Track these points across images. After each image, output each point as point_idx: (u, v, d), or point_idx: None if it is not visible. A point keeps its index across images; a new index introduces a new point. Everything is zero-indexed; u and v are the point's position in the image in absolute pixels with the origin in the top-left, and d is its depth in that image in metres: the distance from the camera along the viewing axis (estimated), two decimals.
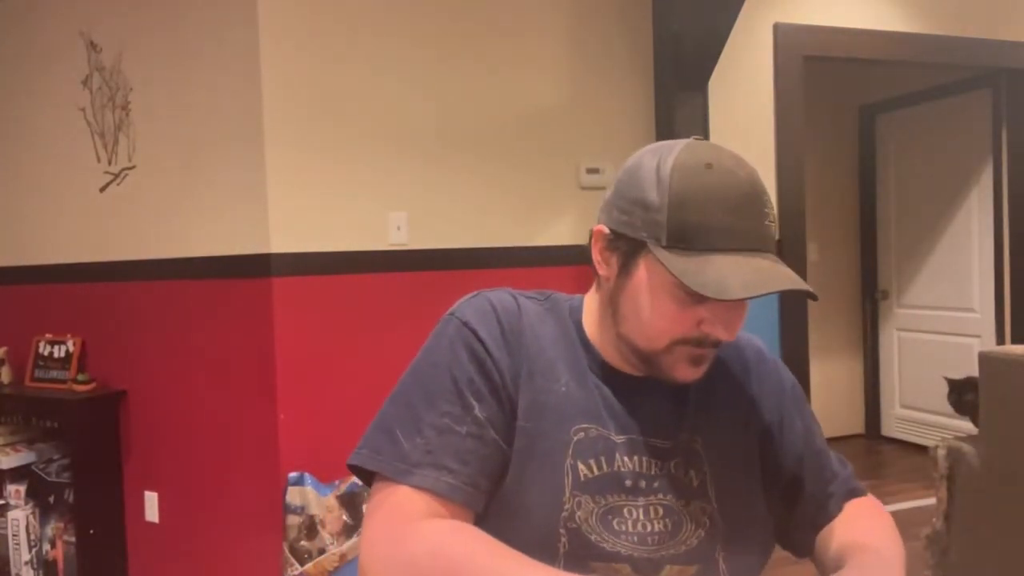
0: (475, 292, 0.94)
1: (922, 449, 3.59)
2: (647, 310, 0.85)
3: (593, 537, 0.83)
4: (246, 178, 2.54)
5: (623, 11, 2.99)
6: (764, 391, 0.98)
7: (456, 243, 2.74)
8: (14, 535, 2.82)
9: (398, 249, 2.67)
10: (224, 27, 2.59)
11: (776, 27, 3.21)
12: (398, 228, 2.67)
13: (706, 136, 3.01)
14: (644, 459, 0.88)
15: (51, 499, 2.88)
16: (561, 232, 2.83)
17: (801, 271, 3.28)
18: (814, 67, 3.58)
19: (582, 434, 0.87)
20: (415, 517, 0.80)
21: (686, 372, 0.87)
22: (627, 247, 0.86)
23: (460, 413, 0.84)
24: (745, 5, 2.84)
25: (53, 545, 2.86)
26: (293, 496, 2.44)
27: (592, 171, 2.88)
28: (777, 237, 0.83)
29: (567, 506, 0.84)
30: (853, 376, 5.00)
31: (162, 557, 2.82)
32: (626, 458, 0.87)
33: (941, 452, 1.91)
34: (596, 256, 0.90)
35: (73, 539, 2.78)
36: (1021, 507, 1.73)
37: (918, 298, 4.63)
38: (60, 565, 2.84)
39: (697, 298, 0.81)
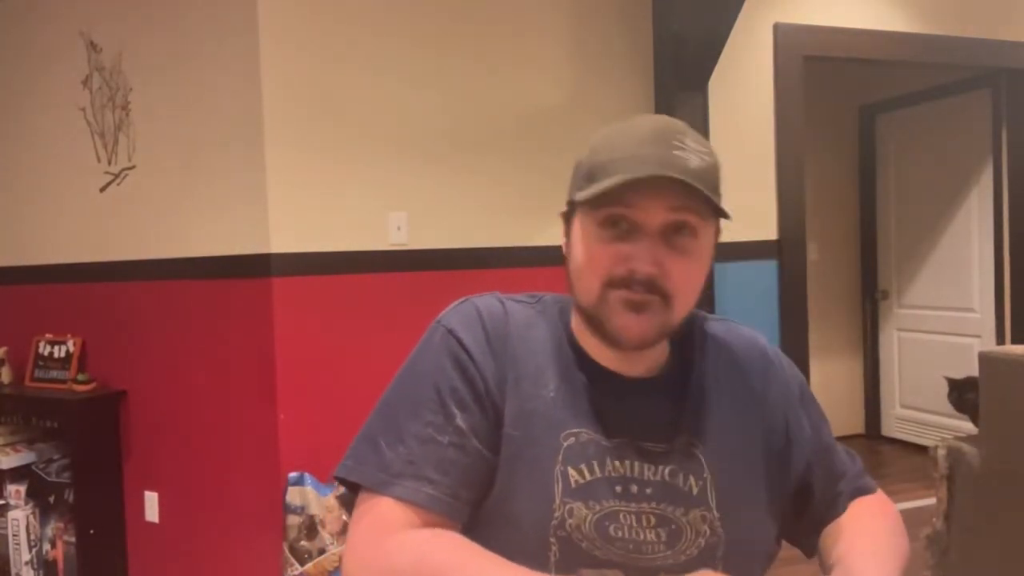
0: (463, 298, 0.93)
1: (922, 449, 3.59)
2: (580, 260, 0.86)
3: (584, 545, 0.82)
4: (246, 178, 2.54)
5: (623, 11, 2.99)
6: (769, 395, 0.94)
7: (456, 243, 2.74)
8: (14, 535, 2.82)
9: (398, 249, 2.67)
10: (224, 27, 2.59)
11: (776, 27, 3.21)
12: (398, 228, 2.67)
13: (706, 136, 3.01)
14: (636, 463, 0.86)
15: (51, 499, 2.88)
16: (561, 232, 2.83)
17: (801, 271, 3.28)
18: (814, 67, 3.58)
19: (572, 439, 0.85)
20: (396, 528, 0.79)
21: (625, 320, 0.83)
22: (568, 213, 0.89)
23: (442, 423, 0.83)
24: (745, 5, 2.84)
25: (53, 545, 2.86)
26: (293, 496, 2.44)
27: None
28: (696, 167, 0.80)
29: (557, 513, 0.82)
30: (853, 376, 5.00)
31: (162, 557, 2.82)
32: (616, 462, 0.85)
33: (941, 452, 1.91)
34: (562, 242, 0.92)
35: (73, 539, 2.78)
36: (1021, 507, 1.73)
37: (918, 298, 4.63)
38: (60, 565, 2.84)
39: (615, 233, 0.82)
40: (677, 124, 0.84)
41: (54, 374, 2.93)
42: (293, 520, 2.43)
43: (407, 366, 0.90)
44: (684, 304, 0.85)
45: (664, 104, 2.98)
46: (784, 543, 0.97)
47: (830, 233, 4.92)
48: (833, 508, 0.95)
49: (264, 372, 2.52)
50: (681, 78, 2.93)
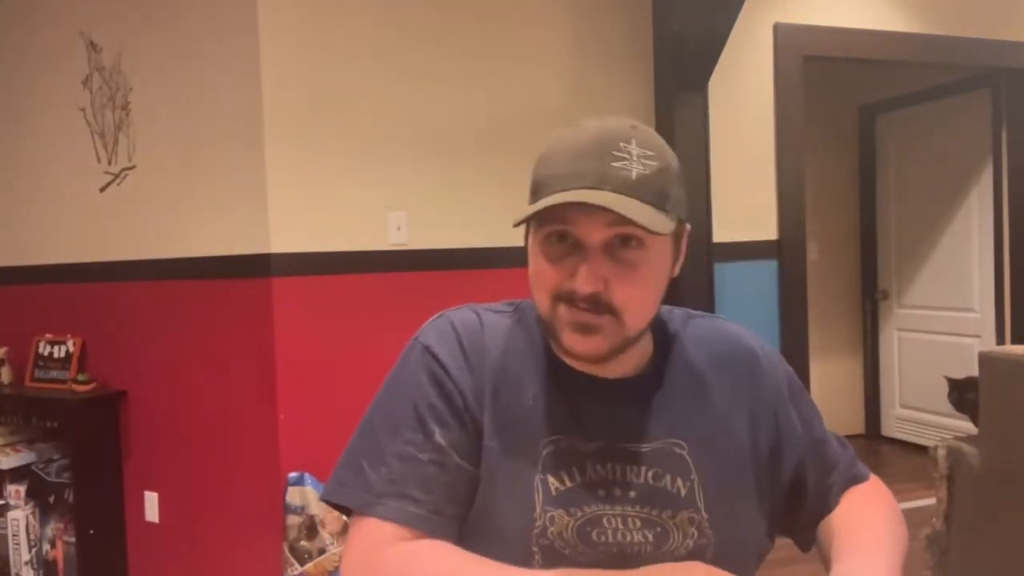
0: (438, 313, 0.93)
1: (922, 449, 3.59)
2: (532, 274, 0.86)
3: (568, 552, 0.82)
4: (246, 178, 2.54)
5: (623, 11, 2.99)
6: (758, 392, 0.93)
7: (456, 243, 2.74)
8: (14, 535, 2.82)
9: (398, 249, 2.67)
10: (224, 27, 2.59)
11: (776, 27, 3.21)
12: (398, 228, 2.67)
13: (706, 136, 3.01)
14: (617, 465, 0.85)
15: (51, 499, 2.88)
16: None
17: (801, 271, 3.28)
18: (814, 67, 3.58)
19: (552, 446, 0.85)
20: (383, 546, 0.80)
21: (571, 339, 0.82)
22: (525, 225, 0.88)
23: (421, 440, 0.83)
24: (745, 5, 2.84)
25: (53, 545, 2.86)
26: (293, 496, 2.44)
27: None
28: (639, 178, 0.79)
29: (539, 522, 0.82)
30: (853, 376, 5.00)
31: (162, 557, 2.82)
32: (598, 466, 0.85)
33: (941, 452, 1.91)
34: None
35: (73, 539, 2.78)
36: (1021, 507, 1.73)
37: (918, 298, 4.63)
38: (60, 565, 2.84)
39: (561, 249, 0.82)
40: (622, 129, 0.82)
41: (54, 374, 2.93)
42: (293, 520, 2.43)
43: (386, 385, 0.90)
44: (636, 317, 0.83)
45: (664, 104, 2.98)
46: (781, 542, 0.97)
47: (830, 233, 4.92)
48: (827, 500, 0.95)
49: (264, 372, 2.52)
50: (681, 78, 2.93)
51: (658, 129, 2.99)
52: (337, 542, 2.42)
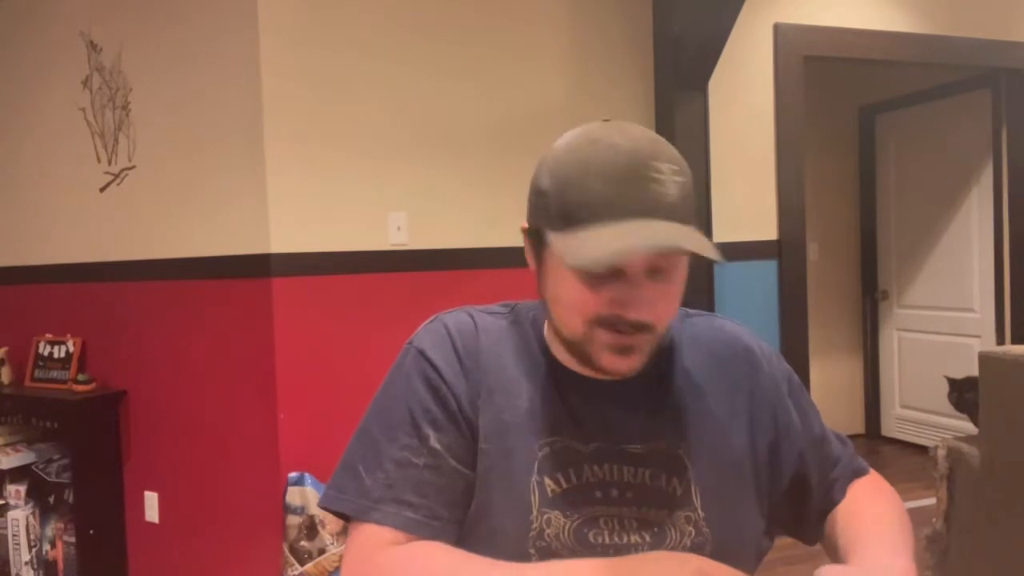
0: (433, 316, 0.93)
1: (922, 449, 3.59)
2: (560, 296, 0.82)
3: (565, 553, 0.81)
4: (246, 178, 2.54)
5: (623, 11, 2.99)
6: (755, 390, 0.93)
7: (456, 243, 2.74)
8: (14, 535, 2.82)
9: (398, 249, 2.67)
10: (224, 27, 2.59)
11: (776, 27, 3.21)
12: (398, 228, 2.67)
13: (706, 136, 3.01)
14: (615, 466, 0.85)
15: (51, 499, 2.88)
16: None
17: (801, 271, 3.28)
18: (814, 67, 3.58)
19: (547, 448, 0.85)
20: (378, 551, 0.80)
21: (611, 361, 0.82)
22: (537, 238, 0.85)
23: (417, 445, 0.84)
24: (745, 5, 2.84)
25: (53, 545, 2.86)
26: (293, 496, 2.44)
27: None
28: (678, 198, 0.79)
29: (535, 524, 0.82)
30: (853, 376, 5.00)
31: (162, 557, 2.82)
32: (596, 467, 0.85)
33: (941, 452, 1.91)
34: (525, 253, 0.89)
35: (73, 539, 2.78)
36: (1021, 507, 1.73)
37: (918, 298, 4.63)
38: (60, 565, 2.84)
39: (598, 278, 0.78)
40: (647, 145, 0.79)
41: (54, 374, 2.93)
42: (293, 520, 2.43)
43: (382, 389, 0.90)
44: (665, 326, 0.84)
45: (664, 104, 2.98)
46: (781, 542, 0.97)
47: (830, 233, 4.92)
48: (832, 495, 0.95)
49: (264, 372, 2.52)
50: (681, 78, 2.94)
51: (658, 129, 3.00)
52: (337, 542, 2.42)
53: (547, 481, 0.84)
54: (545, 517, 0.82)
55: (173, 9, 2.71)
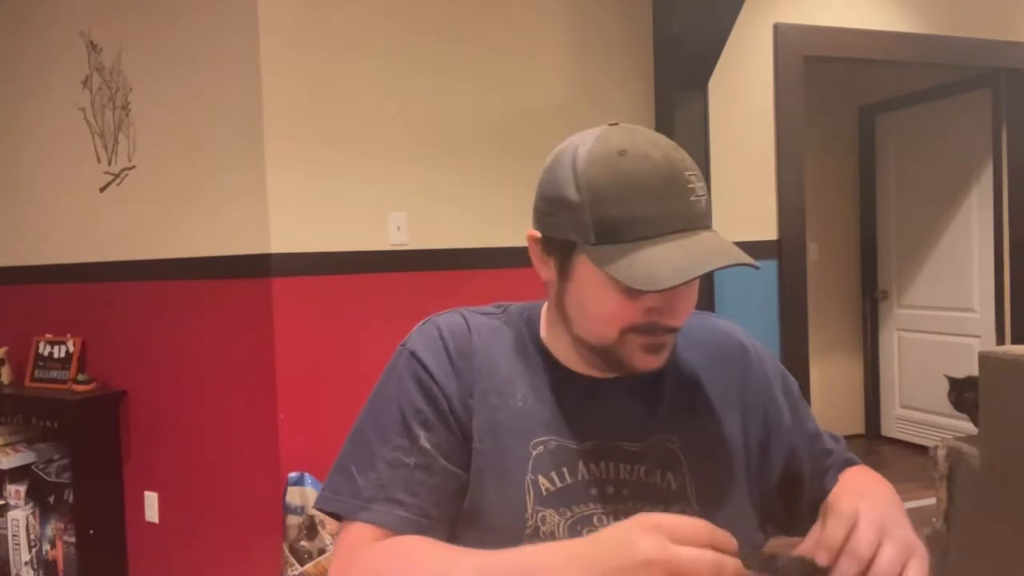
0: (426, 319, 0.94)
1: (922, 449, 3.59)
2: (592, 307, 0.83)
3: None
4: (246, 178, 2.54)
5: (623, 11, 2.99)
6: (747, 386, 0.94)
7: (456, 243, 2.74)
8: (14, 535, 2.82)
9: (398, 249, 2.67)
10: (224, 27, 2.59)
11: (776, 27, 3.21)
12: (398, 228, 2.67)
13: (706, 136, 3.01)
14: (611, 464, 0.86)
15: (51, 499, 2.88)
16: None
17: (801, 271, 3.28)
18: (814, 67, 3.58)
19: (541, 447, 0.86)
20: (360, 547, 0.82)
21: (646, 361, 0.84)
22: (561, 249, 0.84)
23: (408, 445, 0.85)
24: (745, 5, 2.84)
25: (53, 545, 2.86)
26: (293, 496, 2.44)
27: None
28: (706, 204, 0.81)
29: (530, 522, 0.83)
30: (853, 376, 5.00)
31: (162, 557, 2.81)
32: (592, 465, 0.86)
33: (941, 452, 1.91)
34: (534, 261, 0.89)
35: (73, 539, 2.78)
36: (1021, 507, 1.73)
37: (918, 298, 4.63)
38: (60, 565, 2.84)
39: (638, 289, 0.79)
40: (674, 153, 0.81)
41: (54, 374, 2.93)
42: (293, 520, 2.43)
43: (375, 391, 0.91)
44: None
45: (664, 104, 2.98)
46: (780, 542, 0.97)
47: (830, 233, 4.92)
48: (823, 485, 0.96)
49: (264, 372, 2.52)
50: (681, 78, 2.94)
51: (658, 129, 2.99)
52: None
53: (541, 480, 0.84)
54: (540, 515, 0.83)
55: (173, 9, 2.71)
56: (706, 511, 0.86)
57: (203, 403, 2.69)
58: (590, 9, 2.94)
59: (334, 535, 2.41)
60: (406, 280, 2.66)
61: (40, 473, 2.88)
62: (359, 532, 0.83)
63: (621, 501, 0.85)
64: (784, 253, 3.22)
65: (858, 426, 4.98)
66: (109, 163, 2.89)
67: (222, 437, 2.65)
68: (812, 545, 0.73)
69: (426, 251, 2.70)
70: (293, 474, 2.46)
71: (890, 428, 4.86)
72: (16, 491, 2.85)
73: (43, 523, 2.87)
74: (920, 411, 4.61)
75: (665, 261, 0.76)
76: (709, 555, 0.63)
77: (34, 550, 2.84)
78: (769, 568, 0.70)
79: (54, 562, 2.85)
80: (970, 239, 4.27)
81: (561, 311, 0.87)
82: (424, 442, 0.85)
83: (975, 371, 1.89)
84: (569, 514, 0.84)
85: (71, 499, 2.83)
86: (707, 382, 0.93)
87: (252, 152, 2.52)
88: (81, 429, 2.79)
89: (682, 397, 0.91)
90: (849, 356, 4.99)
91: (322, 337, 2.56)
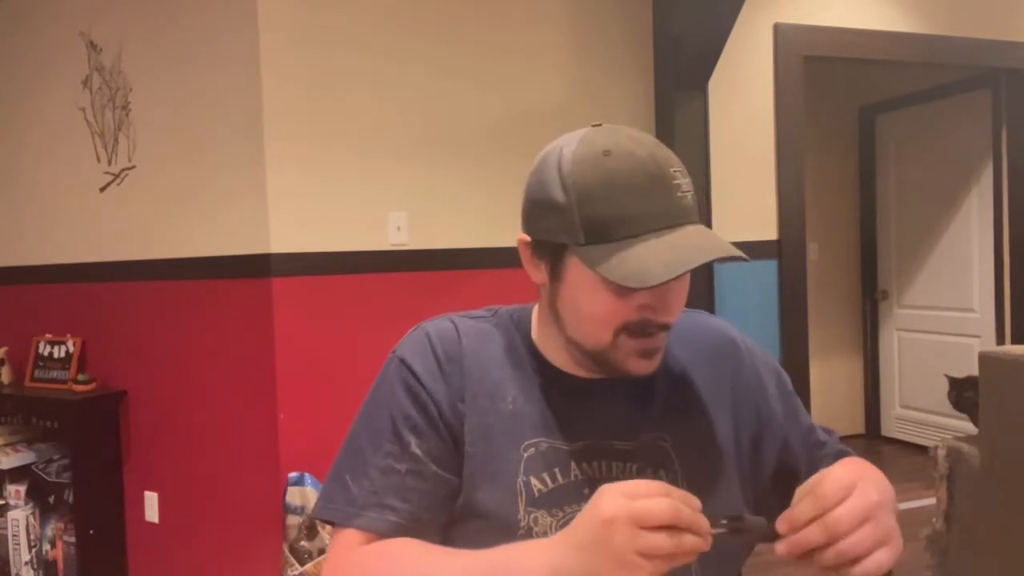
0: (416, 325, 0.95)
1: (922, 449, 3.59)
2: (585, 308, 0.83)
3: None
4: (246, 178, 2.54)
5: (623, 11, 2.99)
6: (738, 383, 0.95)
7: (456, 243, 2.74)
8: (14, 535, 2.82)
9: (398, 249, 2.67)
10: (224, 27, 2.59)
11: (776, 27, 3.21)
12: (398, 228, 2.67)
13: (706, 136, 3.01)
14: (603, 463, 0.87)
15: (51, 499, 2.88)
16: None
17: (801, 271, 3.28)
18: (814, 67, 3.58)
19: (533, 449, 0.86)
20: (349, 551, 0.84)
21: (639, 365, 0.84)
22: (551, 252, 0.85)
23: (399, 452, 0.86)
24: (745, 5, 2.84)
25: (53, 545, 2.86)
26: (293, 496, 2.44)
27: None
28: (692, 199, 0.83)
29: (523, 523, 0.83)
30: (853, 376, 5.00)
31: (162, 557, 2.82)
32: (584, 464, 0.86)
33: (941, 452, 1.91)
34: (526, 265, 0.90)
35: (73, 539, 2.78)
36: (1021, 507, 1.73)
37: (918, 298, 4.63)
38: (60, 565, 2.84)
39: (630, 287, 0.80)
40: (658, 150, 0.82)
41: (54, 374, 2.93)
42: (293, 520, 2.43)
43: (367, 399, 0.92)
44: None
45: (664, 104, 2.98)
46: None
47: (830, 233, 4.92)
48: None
49: (264, 372, 2.52)
50: (681, 78, 2.94)
51: (658, 129, 3.00)
52: None
53: (533, 481, 0.85)
54: (532, 516, 0.84)
55: (173, 9, 2.71)
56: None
57: (203, 403, 2.69)
58: (590, 9, 2.94)
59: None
60: (406, 280, 2.66)
61: (40, 473, 2.88)
62: (351, 537, 0.84)
63: None
64: (784, 253, 3.22)
65: (858, 426, 4.99)
66: (109, 163, 2.89)
67: (222, 437, 2.65)
68: (796, 503, 0.73)
69: (426, 251, 2.70)
70: (293, 474, 2.46)
71: (890, 428, 4.86)
72: (16, 491, 2.85)
73: (43, 523, 2.87)
74: (920, 411, 4.61)
75: (654, 258, 0.77)
76: (665, 501, 0.66)
77: (34, 550, 2.84)
78: (733, 527, 0.72)
79: (54, 562, 2.85)
80: (970, 239, 4.27)
81: (554, 313, 0.88)
82: (415, 448, 0.86)
83: (975, 371, 1.90)
84: (561, 514, 0.84)
85: (71, 499, 2.83)
86: (699, 380, 0.94)
87: (252, 152, 2.52)
88: (81, 429, 2.79)
89: (674, 395, 0.92)
90: (849, 356, 4.99)
91: (322, 337, 2.56)
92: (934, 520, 1.93)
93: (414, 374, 0.89)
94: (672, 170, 0.80)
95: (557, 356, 0.91)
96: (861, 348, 5.00)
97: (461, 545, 0.83)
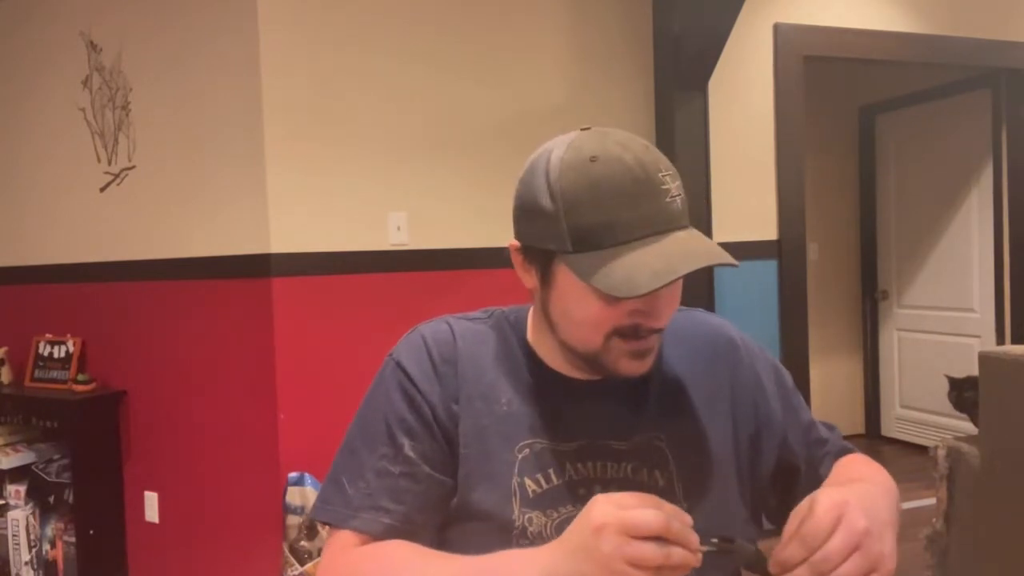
0: (413, 328, 0.96)
1: (922, 449, 3.59)
2: (576, 313, 0.83)
3: None
4: (246, 178, 2.54)
5: (623, 11, 2.99)
6: (737, 382, 0.95)
7: (456, 243, 2.74)
8: (14, 535, 2.82)
9: (398, 249, 2.67)
10: (224, 27, 2.59)
11: (776, 27, 3.21)
12: (398, 228, 2.67)
13: (706, 136, 3.01)
14: (597, 464, 0.87)
15: (51, 499, 2.88)
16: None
17: (801, 271, 3.28)
18: (814, 67, 3.58)
19: (527, 450, 0.87)
20: (342, 553, 0.85)
21: (630, 366, 0.84)
22: (540, 258, 0.85)
23: (393, 454, 0.87)
24: (745, 5, 2.84)
25: (53, 545, 2.86)
26: (293, 496, 2.44)
27: None
28: (681, 203, 0.81)
29: (517, 523, 0.84)
30: (853, 376, 5.00)
31: (162, 557, 2.82)
32: (579, 465, 0.87)
33: (941, 452, 1.91)
34: (517, 270, 0.90)
35: (73, 539, 2.78)
36: (1021, 507, 1.73)
37: (918, 298, 4.63)
38: (60, 565, 2.84)
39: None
40: (646, 154, 0.80)
41: (54, 374, 2.93)
42: (293, 520, 2.43)
43: (364, 402, 0.93)
44: None
45: (664, 104, 2.98)
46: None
47: (830, 233, 4.92)
48: (818, 473, 0.96)
49: (264, 372, 2.52)
50: (681, 78, 2.94)
51: (658, 129, 3.00)
52: None
53: (528, 482, 0.86)
54: (527, 516, 0.84)
55: (173, 9, 2.71)
56: (694, 507, 0.86)
57: (203, 403, 2.69)
58: (590, 9, 2.94)
59: None
60: (406, 280, 2.66)
61: (40, 473, 2.88)
62: (346, 538, 0.85)
63: None
64: (784, 253, 3.22)
65: (858, 426, 4.99)
66: (109, 163, 2.89)
67: (222, 437, 2.65)
68: (786, 541, 0.72)
69: (426, 251, 2.70)
70: (293, 474, 2.46)
71: (890, 428, 4.86)
72: (16, 491, 2.85)
73: (43, 523, 2.87)
74: (920, 411, 4.61)
75: (642, 266, 0.76)
76: (655, 512, 0.67)
77: (34, 550, 2.84)
78: (723, 547, 0.72)
79: (54, 562, 2.85)
80: (970, 239, 4.27)
81: (547, 318, 0.88)
82: (408, 450, 0.86)
83: (975, 371, 1.90)
84: (556, 515, 0.85)
85: (71, 499, 2.83)
86: (695, 379, 0.94)
87: (252, 152, 2.52)
88: (81, 429, 2.79)
89: (669, 395, 0.92)
90: (849, 356, 4.99)
91: (322, 337, 2.56)
92: (934, 520, 1.93)
93: (409, 377, 0.89)
94: (660, 174, 0.79)
95: (552, 357, 0.91)
96: (861, 348, 5.00)
97: (457, 545, 0.83)
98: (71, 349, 2.92)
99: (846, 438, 1.03)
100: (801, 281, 3.28)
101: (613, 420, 0.89)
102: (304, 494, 2.43)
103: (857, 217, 5.01)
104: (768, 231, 3.22)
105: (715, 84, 3.02)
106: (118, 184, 2.87)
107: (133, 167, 2.83)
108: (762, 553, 0.74)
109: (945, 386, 2.46)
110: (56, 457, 2.91)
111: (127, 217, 2.85)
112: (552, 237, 0.81)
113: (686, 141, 2.92)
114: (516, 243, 0.88)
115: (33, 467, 2.89)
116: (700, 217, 2.89)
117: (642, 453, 0.88)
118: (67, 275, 3.00)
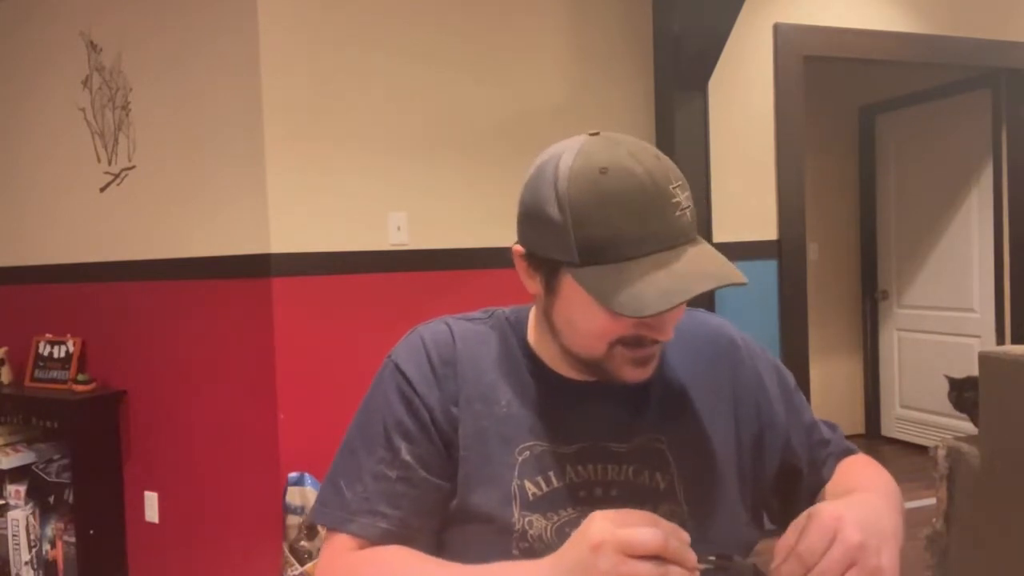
0: (412, 329, 0.95)
1: (922, 449, 3.59)
2: (580, 323, 0.82)
3: (547, 553, 0.81)
4: (246, 178, 2.54)
5: (623, 11, 2.99)
6: (738, 382, 0.94)
7: (456, 243, 2.74)
8: (14, 535, 2.82)
9: (398, 249, 2.67)
10: (224, 27, 2.59)
11: (776, 27, 3.21)
12: (398, 228, 2.67)
13: (706, 136, 3.01)
14: (598, 466, 0.87)
15: (51, 499, 2.88)
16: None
17: (801, 271, 3.28)
18: (814, 67, 3.58)
19: (527, 452, 0.86)
20: (338, 558, 0.85)
21: (632, 373, 0.84)
22: (546, 266, 0.83)
23: (390, 458, 0.86)
24: (745, 5, 2.84)
25: (53, 545, 2.86)
26: (293, 496, 2.44)
27: None
28: (691, 215, 0.80)
29: (517, 526, 0.84)
30: (853, 376, 5.00)
31: (162, 557, 2.82)
32: (579, 467, 0.86)
33: (941, 452, 1.91)
34: (521, 275, 0.89)
35: (73, 539, 2.78)
36: (1021, 507, 1.73)
37: (918, 298, 4.63)
38: (60, 565, 2.84)
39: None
40: (656, 165, 0.78)
41: (54, 374, 2.93)
42: (293, 520, 2.43)
43: (363, 404, 0.92)
44: None
45: (664, 104, 2.98)
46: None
47: (830, 233, 4.92)
48: (821, 475, 0.96)
49: (264, 372, 2.52)
50: (681, 78, 2.94)
51: (658, 129, 3.00)
52: None
53: (527, 485, 0.85)
54: (527, 519, 0.84)
55: (173, 9, 2.71)
56: (695, 510, 0.86)
57: (203, 403, 2.69)
58: (590, 9, 2.94)
59: None
60: (406, 280, 2.66)
61: (40, 473, 2.88)
62: (344, 542, 0.85)
63: (609, 502, 0.85)
64: (784, 253, 3.22)
65: (858, 426, 4.98)
66: (109, 163, 2.89)
67: (222, 437, 2.65)
68: (780, 556, 0.72)
69: (426, 251, 2.70)
70: (293, 474, 2.46)
71: (890, 428, 4.86)
72: (16, 491, 2.85)
73: (43, 523, 2.87)
74: (920, 411, 4.61)
75: (650, 283, 0.75)
76: (653, 531, 0.66)
77: (34, 550, 2.84)
78: (720, 564, 0.72)
79: (54, 562, 2.85)
80: (970, 239, 4.27)
81: (549, 323, 0.87)
82: (405, 455, 0.86)
83: (975, 371, 1.90)
84: (556, 518, 0.84)
85: (71, 499, 2.83)
86: (696, 380, 0.93)
87: (252, 152, 2.52)
88: (81, 429, 2.79)
89: (670, 396, 0.91)
90: (849, 356, 4.99)
91: (322, 337, 2.56)
92: (934, 520, 1.93)
93: (407, 379, 0.89)
94: (671, 187, 0.77)
95: (553, 359, 0.90)
96: (861, 348, 5.00)
97: (456, 548, 0.83)
98: (71, 349, 2.92)
99: (846, 438, 1.03)
100: (801, 281, 3.28)
101: (613, 422, 0.88)
102: (304, 494, 2.43)
103: (857, 217, 5.01)
104: (768, 231, 3.22)
105: (715, 84, 3.02)
106: (118, 184, 2.87)
107: (133, 167, 2.83)
108: (759, 570, 0.74)
109: (945, 386, 2.46)
110: (56, 457, 2.91)
111: (127, 217, 2.85)
112: (559, 248, 0.79)
113: (686, 141, 2.92)
114: (520, 248, 0.87)
115: (33, 467, 2.89)
116: (700, 217, 2.89)
117: (643, 455, 0.88)
118: (67, 275, 3.00)
